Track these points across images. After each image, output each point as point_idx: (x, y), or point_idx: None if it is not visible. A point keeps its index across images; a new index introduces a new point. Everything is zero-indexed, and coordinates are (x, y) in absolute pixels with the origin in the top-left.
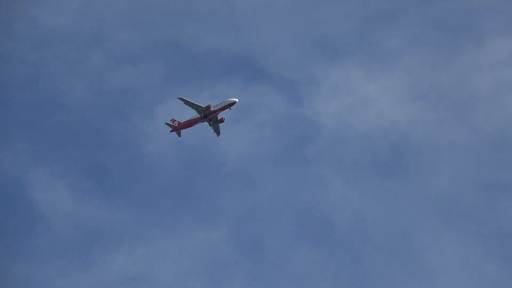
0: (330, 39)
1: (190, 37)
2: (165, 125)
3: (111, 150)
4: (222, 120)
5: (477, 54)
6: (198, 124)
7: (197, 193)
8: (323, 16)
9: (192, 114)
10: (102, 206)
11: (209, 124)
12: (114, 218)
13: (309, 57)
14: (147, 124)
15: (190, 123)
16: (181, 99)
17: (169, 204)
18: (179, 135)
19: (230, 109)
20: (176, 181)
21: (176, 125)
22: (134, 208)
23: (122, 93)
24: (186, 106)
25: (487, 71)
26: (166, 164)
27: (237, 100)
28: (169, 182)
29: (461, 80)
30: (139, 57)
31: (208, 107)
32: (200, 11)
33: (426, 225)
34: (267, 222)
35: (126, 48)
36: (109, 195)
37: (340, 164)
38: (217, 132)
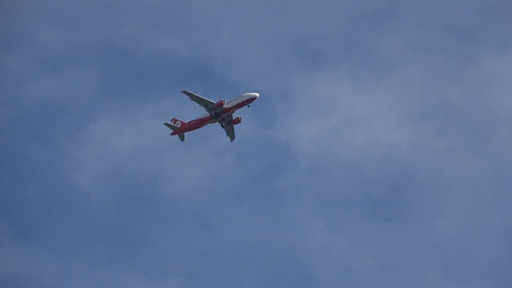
0: (310, 43)
1: (131, 38)
2: (165, 126)
3: (28, 181)
4: (238, 120)
5: (497, 62)
6: (207, 125)
7: (139, 236)
8: (303, 13)
9: (198, 112)
10: (17, 252)
11: (222, 126)
12: (33, 268)
13: (284, 65)
14: (75, 148)
15: (196, 124)
16: (186, 92)
17: (103, 251)
18: (182, 139)
19: (248, 106)
20: (113, 221)
21: (178, 126)
22: (59, 255)
23: (43, 108)
24: (191, 102)
25: (510, 84)
26: (99, 199)
27: (257, 94)
28: (104, 222)
29: (476, 96)
30: (65, 62)
31: (220, 104)
32: (144, 6)
33: (431, 281)
34: (227, 275)
35: (48, 51)
36: (26, 239)
37: (321, 202)
38: (231, 135)
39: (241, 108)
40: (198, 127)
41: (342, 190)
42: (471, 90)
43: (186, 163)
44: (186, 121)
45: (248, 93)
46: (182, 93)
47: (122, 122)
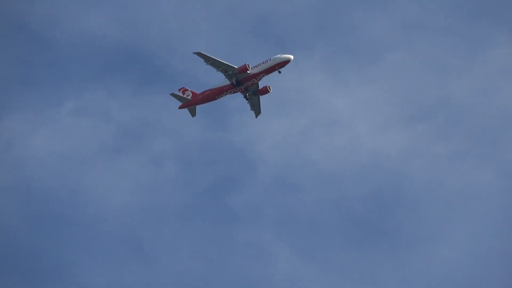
0: (274, 21)
1: (45, 15)
2: (172, 97)
3: None
4: (266, 90)
5: None
6: (226, 96)
7: (53, 266)
8: None
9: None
10: None
11: (245, 97)
12: None
13: (241, 49)
14: None
15: (212, 95)
16: (199, 54)
17: (7, 284)
18: (193, 114)
19: (279, 71)
20: (20, 246)
21: (189, 97)
22: None
23: None
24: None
25: None
26: (3, 219)
27: (291, 57)
28: (8, 248)
29: (486, 91)
30: None
31: (243, 69)
32: None
33: None
34: None
35: None
36: None
37: (288, 223)
38: (257, 109)
39: (270, 75)
40: (215, 99)
41: (314, 207)
42: (479, 83)
43: (116, 173)
44: (199, 91)
45: (279, 55)
46: (195, 54)
47: (33, 120)
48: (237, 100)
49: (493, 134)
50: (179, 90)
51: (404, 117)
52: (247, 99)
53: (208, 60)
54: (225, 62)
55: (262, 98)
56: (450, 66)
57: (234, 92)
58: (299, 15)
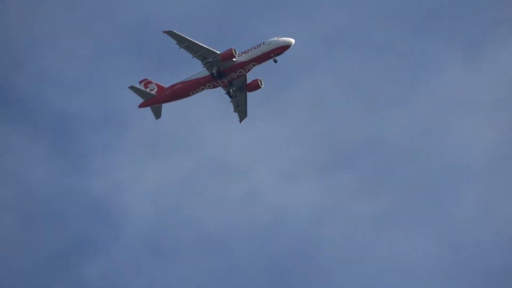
0: (155, 29)
1: None
2: (131, 91)
3: None
4: (256, 85)
5: (466, 73)
6: (202, 92)
7: None
8: None
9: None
10: None
11: (228, 93)
12: None
13: (112, 62)
14: None
15: (184, 89)
16: (170, 33)
17: None
18: (158, 115)
19: (275, 60)
20: None
21: (153, 92)
22: None
23: None
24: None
25: (485, 108)
26: None
27: (292, 41)
28: None
29: (430, 130)
30: None
31: (228, 55)
32: None
33: None
34: None
35: None
36: None
37: None
38: (242, 111)
39: (263, 64)
40: (188, 95)
41: (197, 281)
42: (422, 119)
43: None
44: (167, 85)
45: (275, 38)
46: (165, 33)
47: None
48: (100, 132)
49: (436, 188)
50: (140, 82)
51: (320, 163)
52: (230, 97)
53: (182, 41)
54: (205, 46)
55: (250, 98)
56: (385, 96)
57: (214, 86)
58: (188, 21)
